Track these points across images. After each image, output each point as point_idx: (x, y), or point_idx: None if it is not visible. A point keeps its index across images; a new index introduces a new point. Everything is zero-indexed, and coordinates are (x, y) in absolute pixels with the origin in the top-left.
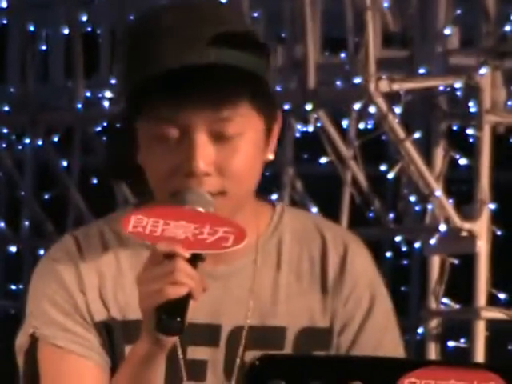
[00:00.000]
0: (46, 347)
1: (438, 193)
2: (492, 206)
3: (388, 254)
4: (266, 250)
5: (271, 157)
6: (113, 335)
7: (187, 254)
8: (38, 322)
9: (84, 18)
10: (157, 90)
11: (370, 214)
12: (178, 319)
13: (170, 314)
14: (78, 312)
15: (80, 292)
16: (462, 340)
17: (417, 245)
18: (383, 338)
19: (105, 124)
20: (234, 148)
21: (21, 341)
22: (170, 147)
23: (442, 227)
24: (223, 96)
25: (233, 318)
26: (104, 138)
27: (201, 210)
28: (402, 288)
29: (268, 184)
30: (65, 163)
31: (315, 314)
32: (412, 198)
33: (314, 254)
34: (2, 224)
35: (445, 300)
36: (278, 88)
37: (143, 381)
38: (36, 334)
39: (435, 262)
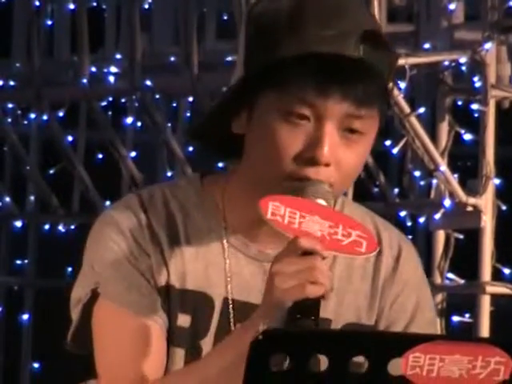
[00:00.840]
0: (106, 304)
1: (443, 168)
2: (497, 181)
3: None
4: None
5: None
6: (169, 301)
7: (326, 254)
8: (101, 277)
9: None
10: (304, 71)
11: (375, 189)
12: (313, 319)
13: (305, 314)
14: (142, 273)
15: (145, 253)
16: (467, 315)
17: (421, 220)
18: None
19: (110, 99)
20: (355, 146)
21: (79, 293)
22: (297, 128)
23: (447, 202)
24: (365, 95)
25: None
26: (109, 114)
27: (325, 204)
28: None
29: None
30: (70, 138)
31: (362, 311)
32: (417, 173)
33: None
34: (8, 199)
35: (450, 275)
36: None
37: (241, 369)
38: (99, 289)
39: (440, 237)
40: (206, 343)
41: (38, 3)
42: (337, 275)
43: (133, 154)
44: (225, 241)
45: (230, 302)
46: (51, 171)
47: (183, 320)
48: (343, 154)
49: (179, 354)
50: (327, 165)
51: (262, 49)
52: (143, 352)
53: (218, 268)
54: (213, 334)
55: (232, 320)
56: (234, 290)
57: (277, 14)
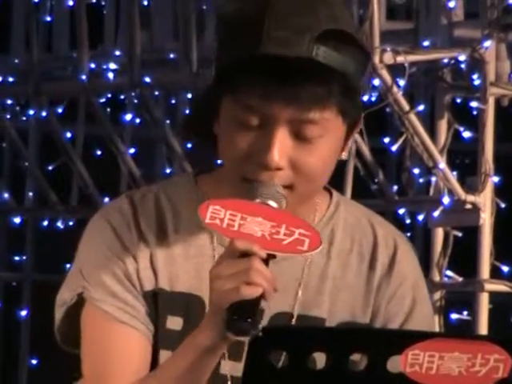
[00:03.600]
0: (92, 309)
1: (442, 165)
2: (496, 179)
3: None
4: None
5: (344, 156)
6: (158, 304)
7: (264, 254)
8: (88, 282)
9: None
10: (251, 75)
11: (374, 186)
12: (249, 321)
13: (241, 316)
14: (128, 278)
15: (132, 258)
16: (466, 312)
17: (420, 217)
18: None
19: (109, 95)
20: (311, 149)
21: (65, 296)
22: (250, 134)
23: (446, 200)
24: (314, 97)
25: (277, 304)
26: (108, 109)
27: (274, 205)
28: None
29: None
30: (69, 134)
31: (356, 310)
32: (416, 171)
33: (363, 249)
34: (6, 195)
35: (448, 272)
36: None
37: (200, 370)
38: (84, 294)
39: (439, 234)
40: None
41: None
42: (331, 274)
43: (132, 149)
44: (215, 239)
45: None
46: (50, 167)
47: (174, 323)
48: (300, 156)
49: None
50: (279, 169)
51: (224, 51)
52: (125, 358)
53: (209, 268)
54: None
55: None
56: None
57: (239, 15)
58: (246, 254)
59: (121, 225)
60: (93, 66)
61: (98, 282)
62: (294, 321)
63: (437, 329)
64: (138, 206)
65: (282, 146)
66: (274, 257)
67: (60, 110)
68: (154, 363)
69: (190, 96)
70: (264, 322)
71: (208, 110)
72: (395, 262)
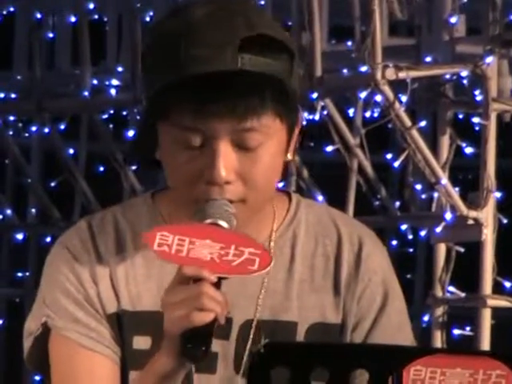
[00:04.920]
0: (57, 338)
1: (444, 181)
2: (498, 194)
3: (394, 242)
4: (280, 243)
5: (290, 157)
6: (122, 325)
7: (214, 278)
8: (51, 311)
9: (91, 6)
10: (181, 97)
11: (376, 202)
12: (203, 348)
13: (195, 343)
14: (89, 303)
15: (92, 282)
16: (468, 328)
17: (423, 233)
18: (396, 336)
19: (111, 111)
20: (255, 157)
21: (31, 325)
22: (192, 154)
23: (448, 215)
24: (248, 107)
25: (245, 312)
26: (111, 126)
27: (223, 224)
28: (408, 276)
29: None
30: (71, 151)
31: (327, 310)
32: (418, 186)
33: (328, 249)
34: (9, 211)
35: (450, 288)
36: None
37: None
38: (48, 323)
39: (441, 250)
40: None
41: (39, 15)
42: (297, 278)
43: (134, 166)
44: None
45: None
46: (52, 183)
47: (142, 342)
48: (245, 167)
49: None
50: (228, 182)
51: (149, 77)
52: (91, 383)
53: None
54: None
55: None
56: None
57: (159, 39)
58: (196, 280)
59: (79, 250)
60: (95, 82)
61: (60, 310)
62: (253, 326)
63: (439, 344)
64: (97, 230)
65: (226, 159)
66: (225, 278)
67: (62, 127)
68: None
69: None
70: (234, 331)
71: (147, 136)
72: (361, 258)
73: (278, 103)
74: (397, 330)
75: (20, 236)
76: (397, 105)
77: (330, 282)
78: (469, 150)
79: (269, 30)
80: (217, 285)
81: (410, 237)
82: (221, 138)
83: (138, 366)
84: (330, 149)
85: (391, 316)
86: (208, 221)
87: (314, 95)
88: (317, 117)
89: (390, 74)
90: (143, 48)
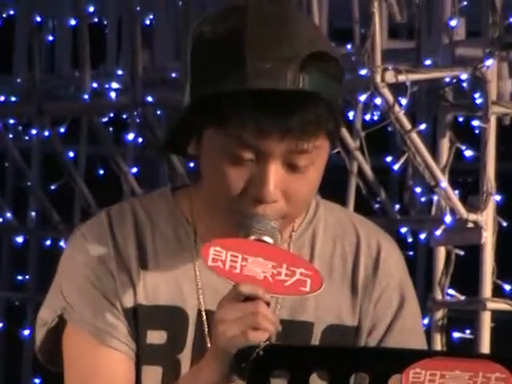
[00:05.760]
0: (73, 331)
1: (444, 184)
2: (497, 197)
3: None
4: (299, 243)
5: None
6: (138, 319)
7: (269, 298)
8: (67, 303)
9: (91, 9)
10: (242, 109)
11: (376, 205)
12: None
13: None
14: (107, 297)
15: (110, 276)
16: (468, 331)
17: (422, 236)
18: (410, 340)
19: (111, 114)
20: (303, 177)
21: (45, 315)
22: (242, 167)
23: (448, 218)
24: (306, 129)
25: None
26: (110, 129)
27: (270, 241)
28: None
29: None
30: (71, 154)
31: (343, 312)
32: (418, 190)
33: (346, 250)
34: (9, 214)
35: (450, 291)
36: None
37: None
38: (64, 315)
39: (441, 253)
40: (184, 357)
41: (39, 19)
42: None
43: (134, 169)
44: (194, 252)
45: (204, 314)
46: (52, 186)
47: (157, 337)
48: (292, 186)
49: (156, 371)
50: (275, 201)
51: (203, 80)
52: (108, 380)
53: (189, 280)
54: (190, 347)
55: (207, 331)
56: (207, 301)
57: (218, 42)
58: (249, 298)
59: (98, 242)
60: (95, 85)
61: (78, 303)
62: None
63: (439, 347)
64: (116, 221)
65: (276, 179)
66: (266, 302)
67: (62, 130)
68: (138, 379)
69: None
70: None
71: (186, 131)
72: (379, 262)
73: (331, 124)
74: (411, 334)
75: (20, 239)
76: (396, 108)
77: (347, 283)
78: (469, 153)
79: (327, 47)
80: (268, 304)
81: (410, 240)
82: (274, 157)
83: (151, 361)
84: None
85: (406, 320)
86: (253, 237)
87: None
88: None
89: (390, 77)
90: (193, 47)
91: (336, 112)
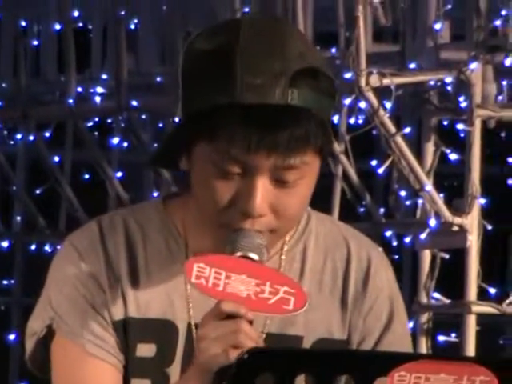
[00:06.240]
0: (61, 342)
1: (429, 187)
2: (482, 201)
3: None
4: (290, 256)
5: None
6: (128, 332)
7: (251, 316)
8: (56, 314)
9: (76, 14)
10: (231, 124)
11: (361, 209)
12: None
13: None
14: (96, 308)
15: (100, 288)
16: (453, 334)
17: (407, 239)
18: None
19: (96, 119)
20: (292, 192)
21: (34, 326)
22: (230, 182)
23: (433, 222)
24: (294, 146)
25: (255, 325)
26: (95, 133)
27: (256, 257)
28: None
29: None
30: (57, 158)
31: (333, 326)
32: (402, 193)
33: (337, 265)
34: None
35: (435, 294)
36: None
37: None
38: (53, 326)
39: (426, 256)
40: (174, 370)
41: (24, 23)
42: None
43: (119, 173)
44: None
45: (194, 327)
46: (38, 191)
47: (146, 350)
48: (281, 201)
49: None
50: (262, 215)
51: (194, 95)
52: None
53: (180, 293)
54: (179, 360)
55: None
56: (197, 315)
57: (209, 56)
58: (232, 316)
59: (89, 253)
60: (80, 90)
61: (67, 315)
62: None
63: (424, 350)
64: (107, 232)
65: (263, 193)
66: (249, 320)
67: (47, 134)
68: None
69: (177, 120)
70: None
71: (176, 146)
72: (369, 275)
73: (321, 139)
74: (400, 348)
75: (5, 244)
76: (381, 111)
77: (337, 297)
78: (453, 157)
79: (318, 61)
80: (251, 321)
81: (395, 243)
82: (261, 172)
83: (140, 374)
84: None
85: (395, 332)
86: (239, 253)
87: None
88: None
89: (375, 80)
90: (185, 60)
91: (326, 127)
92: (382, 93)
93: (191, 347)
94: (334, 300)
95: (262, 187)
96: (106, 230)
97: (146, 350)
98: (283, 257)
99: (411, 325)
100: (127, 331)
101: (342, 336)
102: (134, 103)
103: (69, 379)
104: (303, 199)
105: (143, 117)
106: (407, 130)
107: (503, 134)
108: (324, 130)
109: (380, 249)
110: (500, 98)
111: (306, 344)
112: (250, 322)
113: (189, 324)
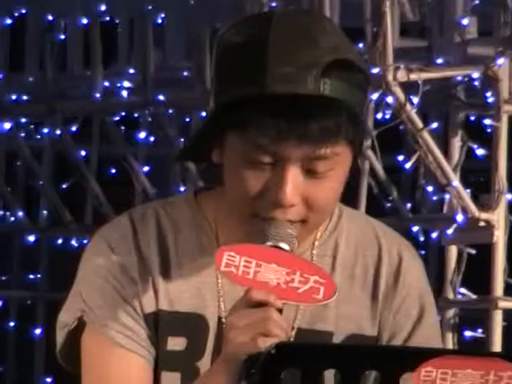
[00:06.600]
0: (92, 334)
1: (456, 183)
2: (509, 196)
3: None
4: (322, 251)
5: None
6: (159, 325)
7: (280, 305)
8: (87, 306)
9: (102, 8)
10: (262, 114)
11: (388, 204)
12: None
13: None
14: (128, 301)
15: (132, 281)
16: (479, 330)
17: (434, 235)
18: None
19: (123, 113)
20: (322, 183)
21: (65, 318)
22: (261, 172)
23: (460, 217)
24: (325, 136)
25: (286, 320)
26: (122, 128)
27: (287, 247)
28: None
29: None
30: (83, 153)
31: (363, 322)
32: (429, 188)
33: (368, 260)
34: (20, 213)
35: (462, 290)
36: None
37: None
38: (84, 318)
39: (452, 252)
40: (204, 364)
41: (50, 18)
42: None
43: (145, 168)
44: None
45: (224, 320)
46: (64, 185)
47: (177, 343)
48: (311, 191)
49: (174, 377)
50: (293, 205)
51: (227, 84)
52: (125, 382)
53: (211, 287)
54: (209, 354)
55: None
56: (227, 309)
57: (241, 48)
58: (261, 303)
59: (120, 245)
60: (107, 84)
61: (98, 306)
62: (293, 334)
63: (450, 346)
64: (139, 226)
65: (294, 183)
66: (278, 308)
67: (74, 129)
68: None
69: (203, 114)
70: None
71: (208, 138)
72: (400, 272)
73: (352, 130)
74: (430, 344)
75: (32, 238)
76: (408, 106)
77: (367, 293)
78: (480, 152)
79: (350, 53)
80: (280, 310)
81: (422, 239)
82: (293, 162)
83: (171, 367)
84: None
85: (425, 330)
86: (270, 243)
87: None
88: None
89: (402, 75)
90: (217, 53)
91: (357, 120)
92: (409, 88)
93: (221, 340)
94: (364, 296)
95: (293, 177)
96: (137, 223)
97: (176, 343)
98: (314, 251)
99: None
100: (158, 324)
101: (372, 332)
102: (161, 98)
103: (98, 370)
104: (334, 191)
105: (170, 111)
106: (434, 125)
107: None
108: (355, 123)
109: (410, 244)
110: None
111: (336, 340)
112: (280, 311)
113: (219, 318)
